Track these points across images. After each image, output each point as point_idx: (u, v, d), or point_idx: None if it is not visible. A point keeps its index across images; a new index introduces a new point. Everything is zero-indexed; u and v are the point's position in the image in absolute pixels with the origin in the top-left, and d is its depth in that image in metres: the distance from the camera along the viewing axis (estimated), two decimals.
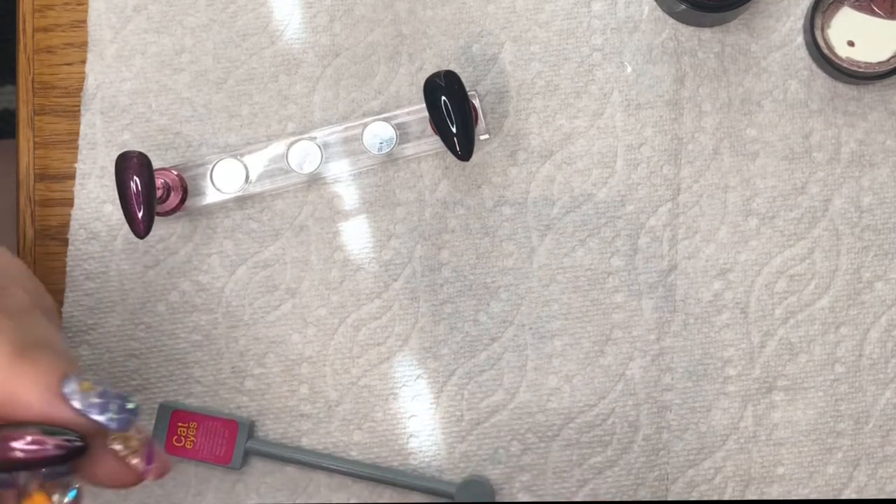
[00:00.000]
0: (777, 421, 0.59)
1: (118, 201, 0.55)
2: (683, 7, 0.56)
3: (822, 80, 0.59)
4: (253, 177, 0.59)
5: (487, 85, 0.60)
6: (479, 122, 0.58)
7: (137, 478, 0.42)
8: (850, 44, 0.57)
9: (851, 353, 0.59)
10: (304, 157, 0.58)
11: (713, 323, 0.59)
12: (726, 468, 0.59)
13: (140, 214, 0.54)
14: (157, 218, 0.56)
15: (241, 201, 0.60)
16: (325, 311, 0.60)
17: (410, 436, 0.59)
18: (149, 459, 0.42)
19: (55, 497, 0.40)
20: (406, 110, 0.59)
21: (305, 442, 0.60)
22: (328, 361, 0.60)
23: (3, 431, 0.40)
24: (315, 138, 0.58)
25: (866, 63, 0.57)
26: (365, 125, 0.58)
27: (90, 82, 0.60)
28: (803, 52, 0.59)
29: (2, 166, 0.71)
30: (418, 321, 0.59)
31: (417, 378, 0.59)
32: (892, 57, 0.57)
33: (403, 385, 0.59)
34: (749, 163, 0.59)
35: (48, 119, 0.60)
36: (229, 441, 0.59)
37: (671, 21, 0.59)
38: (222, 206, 0.60)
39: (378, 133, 0.58)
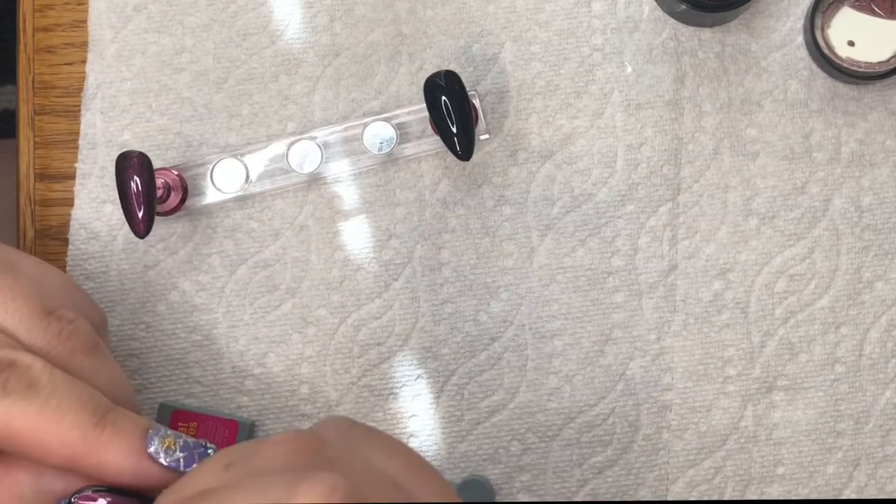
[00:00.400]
0: (777, 421, 0.59)
1: (118, 201, 0.55)
2: (683, 7, 0.56)
3: (822, 80, 0.59)
4: (253, 177, 0.59)
5: (488, 85, 0.60)
6: (479, 122, 0.58)
7: None
8: (851, 44, 0.57)
9: (851, 352, 0.59)
10: (304, 156, 0.58)
11: (713, 323, 0.59)
12: (726, 468, 0.59)
13: (140, 214, 0.54)
14: (157, 218, 0.56)
15: (242, 201, 0.60)
16: (325, 311, 0.60)
17: (410, 435, 0.59)
18: None
19: None
20: (406, 110, 0.59)
21: None
22: (328, 361, 0.60)
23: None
24: (315, 138, 0.58)
25: (866, 63, 0.57)
26: (365, 125, 0.58)
27: (90, 82, 0.60)
28: (803, 52, 0.59)
29: (2, 166, 0.71)
30: (418, 321, 0.59)
31: (417, 378, 0.59)
32: (892, 57, 0.57)
33: (403, 385, 0.59)
34: (749, 163, 0.59)
35: (48, 119, 0.60)
36: (229, 441, 0.59)
37: (671, 21, 0.59)
38: (222, 206, 0.60)
39: (378, 133, 0.58)
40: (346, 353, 0.60)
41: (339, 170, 0.59)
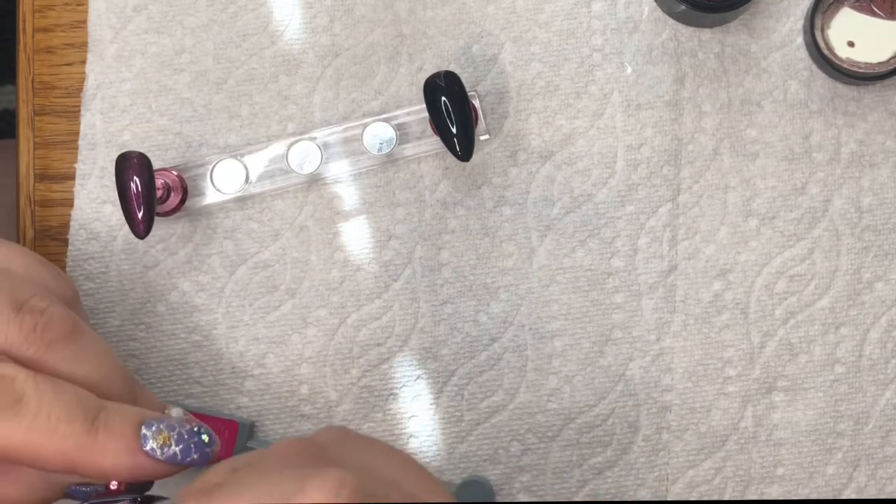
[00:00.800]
0: (777, 421, 0.59)
1: (118, 201, 0.55)
2: (683, 7, 0.56)
3: (822, 80, 0.59)
4: (253, 177, 0.59)
5: (487, 85, 0.60)
6: (479, 122, 0.58)
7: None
8: (850, 44, 0.57)
9: (851, 353, 0.59)
10: (304, 157, 0.58)
11: (713, 323, 0.59)
12: (726, 469, 0.59)
13: (140, 215, 0.54)
14: (157, 218, 0.56)
15: (241, 201, 0.60)
16: (325, 312, 0.60)
17: (410, 436, 0.59)
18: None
19: None
20: (406, 111, 0.59)
21: None
22: (328, 362, 0.60)
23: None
24: (315, 139, 0.58)
25: (866, 63, 0.57)
26: (365, 125, 0.58)
27: (90, 82, 0.60)
28: (803, 53, 0.59)
29: (2, 166, 0.71)
30: (418, 322, 0.59)
31: (417, 379, 0.59)
32: (892, 57, 0.57)
33: (403, 385, 0.59)
34: (749, 163, 0.59)
35: (48, 119, 0.60)
36: (229, 441, 0.58)
37: (671, 21, 0.59)
38: (222, 207, 0.60)
39: (378, 133, 0.58)
40: (345, 354, 0.60)
41: (339, 170, 0.59)
